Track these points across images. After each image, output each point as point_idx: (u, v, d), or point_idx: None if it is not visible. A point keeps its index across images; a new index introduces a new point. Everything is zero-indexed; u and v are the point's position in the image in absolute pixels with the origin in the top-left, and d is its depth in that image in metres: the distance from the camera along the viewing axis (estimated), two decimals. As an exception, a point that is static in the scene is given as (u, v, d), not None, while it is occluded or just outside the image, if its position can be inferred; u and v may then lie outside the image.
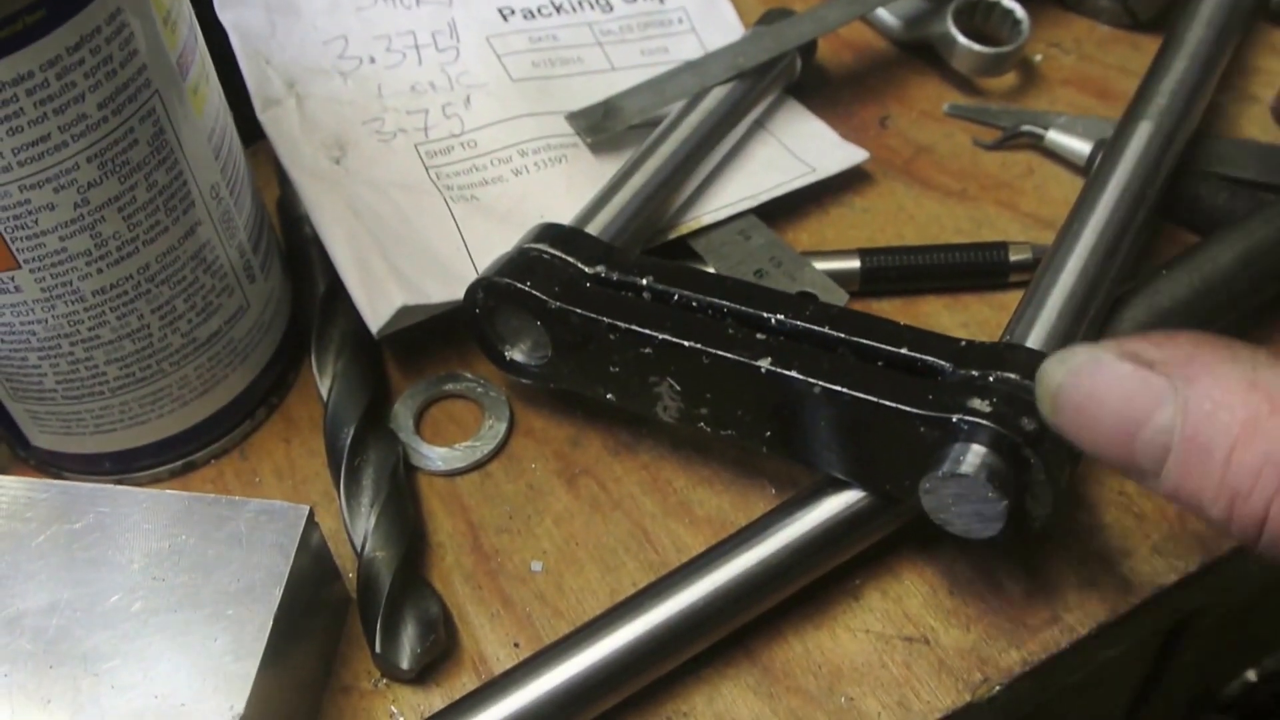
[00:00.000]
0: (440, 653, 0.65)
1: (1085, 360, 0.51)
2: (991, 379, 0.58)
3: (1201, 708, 1.22)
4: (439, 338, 0.77)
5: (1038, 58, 0.94)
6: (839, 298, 0.75)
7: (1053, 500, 0.57)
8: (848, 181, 0.85)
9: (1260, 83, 0.91)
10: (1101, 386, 0.50)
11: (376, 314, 0.72)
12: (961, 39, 0.89)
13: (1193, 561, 0.66)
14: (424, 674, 0.65)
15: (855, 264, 0.78)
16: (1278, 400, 0.45)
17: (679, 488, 0.71)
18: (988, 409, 0.56)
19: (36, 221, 0.58)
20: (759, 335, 0.63)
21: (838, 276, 0.77)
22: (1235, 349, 0.47)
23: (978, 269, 0.78)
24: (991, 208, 0.84)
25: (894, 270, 0.78)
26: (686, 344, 0.63)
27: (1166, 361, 0.48)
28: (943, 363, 0.60)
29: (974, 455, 0.56)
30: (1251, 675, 1.20)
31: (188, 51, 0.63)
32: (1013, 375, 0.58)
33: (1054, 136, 0.85)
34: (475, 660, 0.65)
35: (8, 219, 0.57)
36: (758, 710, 0.63)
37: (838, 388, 0.60)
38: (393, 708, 0.64)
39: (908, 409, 0.58)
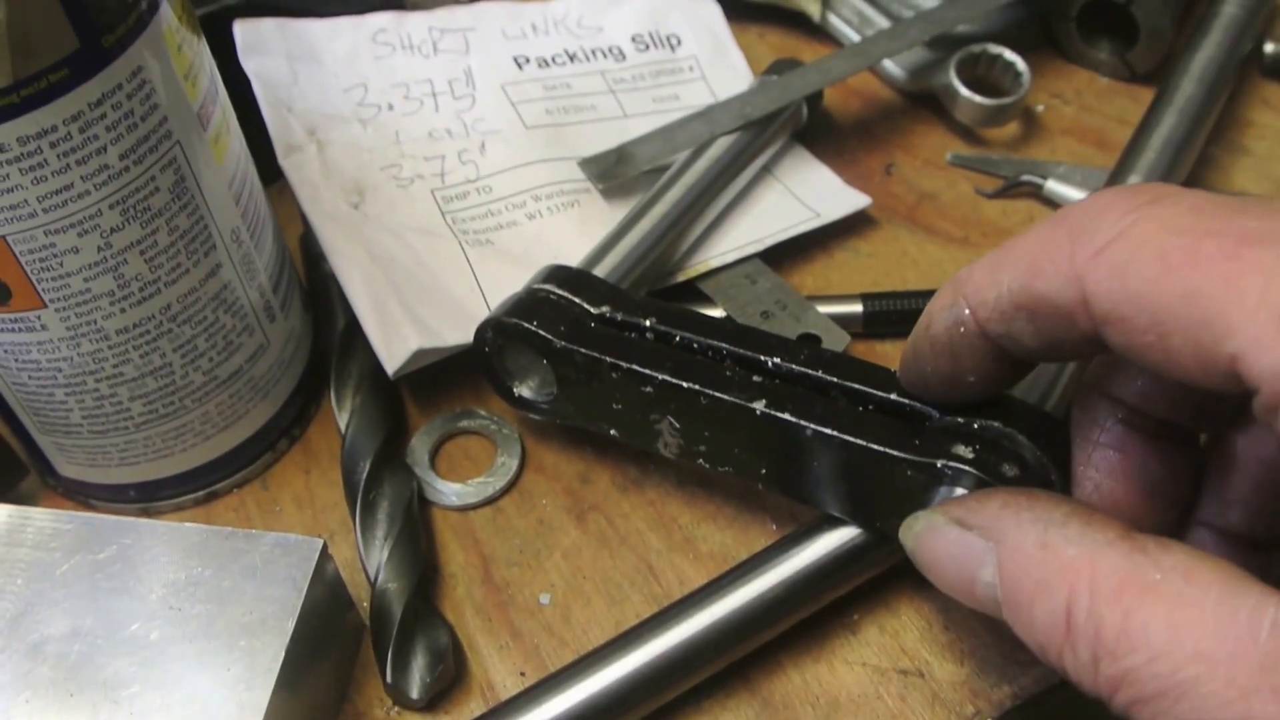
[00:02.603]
0: (449, 682, 0.66)
1: (924, 527, 0.55)
2: (976, 426, 0.59)
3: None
4: (455, 376, 0.79)
5: (1040, 108, 0.95)
6: (841, 340, 0.77)
7: None
8: (853, 227, 0.87)
9: (1252, 135, 0.92)
10: (938, 550, 0.54)
11: (392, 356, 0.73)
12: (964, 90, 0.90)
13: (1182, 600, 0.67)
14: (434, 702, 0.66)
15: (858, 308, 0.79)
16: (1064, 559, 0.47)
17: (684, 524, 0.72)
18: (970, 455, 0.58)
19: (61, 264, 0.59)
20: (755, 378, 0.64)
21: (841, 319, 0.79)
22: (1037, 506, 0.50)
23: (976, 314, 0.78)
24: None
25: (895, 314, 0.79)
26: (685, 385, 0.64)
27: (982, 525, 0.51)
28: (930, 409, 0.62)
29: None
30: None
31: (209, 103, 0.64)
32: (996, 423, 0.59)
33: (1053, 186, 0.86)
34: (484, 689, 0.66)
35: (34, 261, 0.59)
36: (756, 741, 0.64)
37: (828, 431, 0.61)
38: (403, 735, 0.65)
39: (894, 453, 0.59)
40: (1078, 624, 0.46)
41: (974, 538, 0.51)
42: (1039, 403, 0.63)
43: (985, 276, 0.52)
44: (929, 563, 0.54)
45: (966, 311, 0.53)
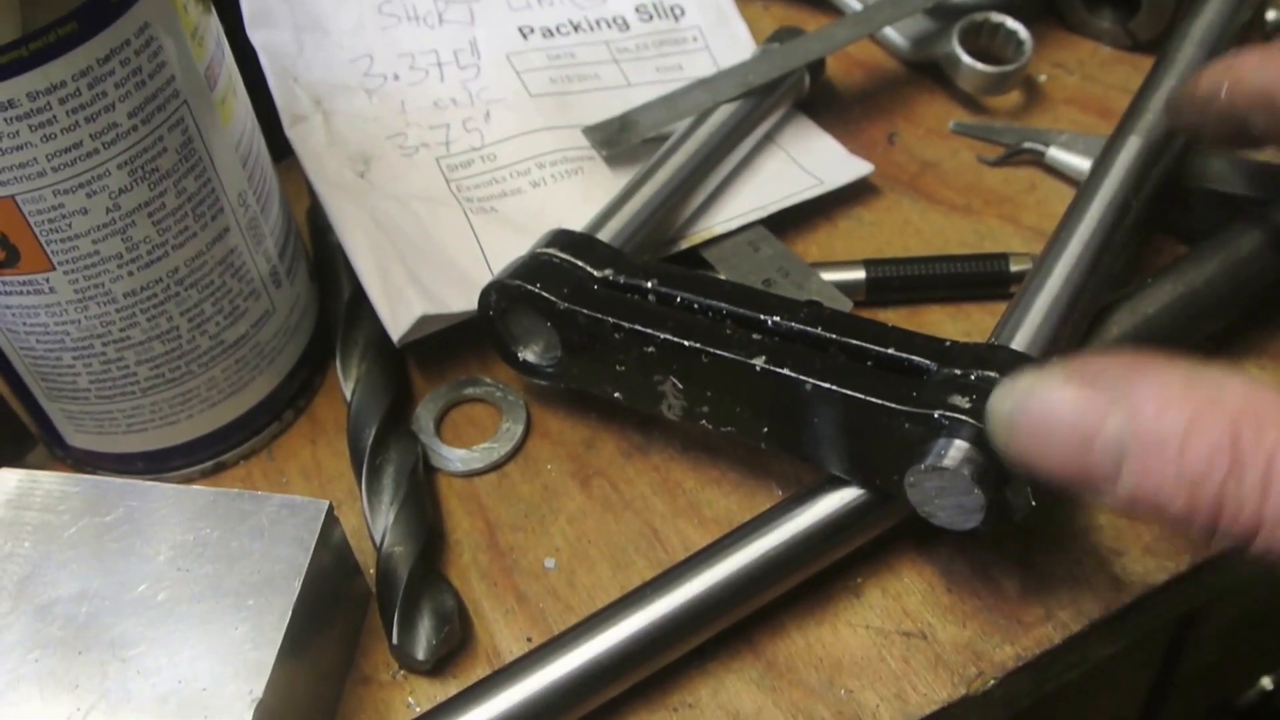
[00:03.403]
0: (455, 645, 0.66)
1: (1031, 385, 0.53)
2: (974, 377, 0.60)
3: (1218, 716, 1.22)
4: (460, 343, 0.79)
5: (1042, 77, 0.95)
6: (844, 306, 0.77)
7: (1030, 493, 0.59)
8: (856, 196, 0.87)
9: (1255, 101, 0.91)
10: (1051, 407, 0.52)
11: (398, 323, 0.73)
12: (966, 59, 0.90)
13: (1183, 562, 0.67)
14: (440, 666, 0.66)
15: (861, 275, 0.79)
16: (1215, 395, 0.47)
17: (688, 489, 0.72)
18: (968, 405, 0.58)
19: (70, 225, 0.60)
20: (755, 335, 0.65)
21: (844, 286, 0.79)
22: (1166, 359, 0.50)
23: (979, 279, 0.79)
24: (994, 221, 0.85)
25: (898, 280, 0.79)
26: (687, 343, 0.65)
27: (1108, 375, 0.50)
28: (928, 362, 0.62)
29: (955, 450, 0.57)
30: (1267, 683, 1.19)
31: (215, 64, 0.65)
32: (994, 374, 0.59)
33: (1055, 153, 0.86)
34: (489, 653, 0.67)
35: (43, 222, 0.59)
36: (760, 702, 0.64)
37: (827, 385, 0.61)
38: (410, 699, 0.65)
39: (892, 405, 0.60)
40: (1245, 449, 0.46)
41: (1099, 390, 0.50)
42: (1038, 355, 0.63)
43: (1256, 63, 0.66)
44: (1035, 424, 0.52)
45: (1225, 86, 0.67)
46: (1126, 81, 0.94)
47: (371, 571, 0.69)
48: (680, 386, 0.67)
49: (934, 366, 0.62)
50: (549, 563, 0.70)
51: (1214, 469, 0.47)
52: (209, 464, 0.76)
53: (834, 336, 0.65)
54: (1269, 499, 0.46)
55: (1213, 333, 0.72)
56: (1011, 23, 0.91)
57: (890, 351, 0.63)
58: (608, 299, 0.69)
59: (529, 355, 0.73)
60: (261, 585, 0.60)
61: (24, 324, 0.65)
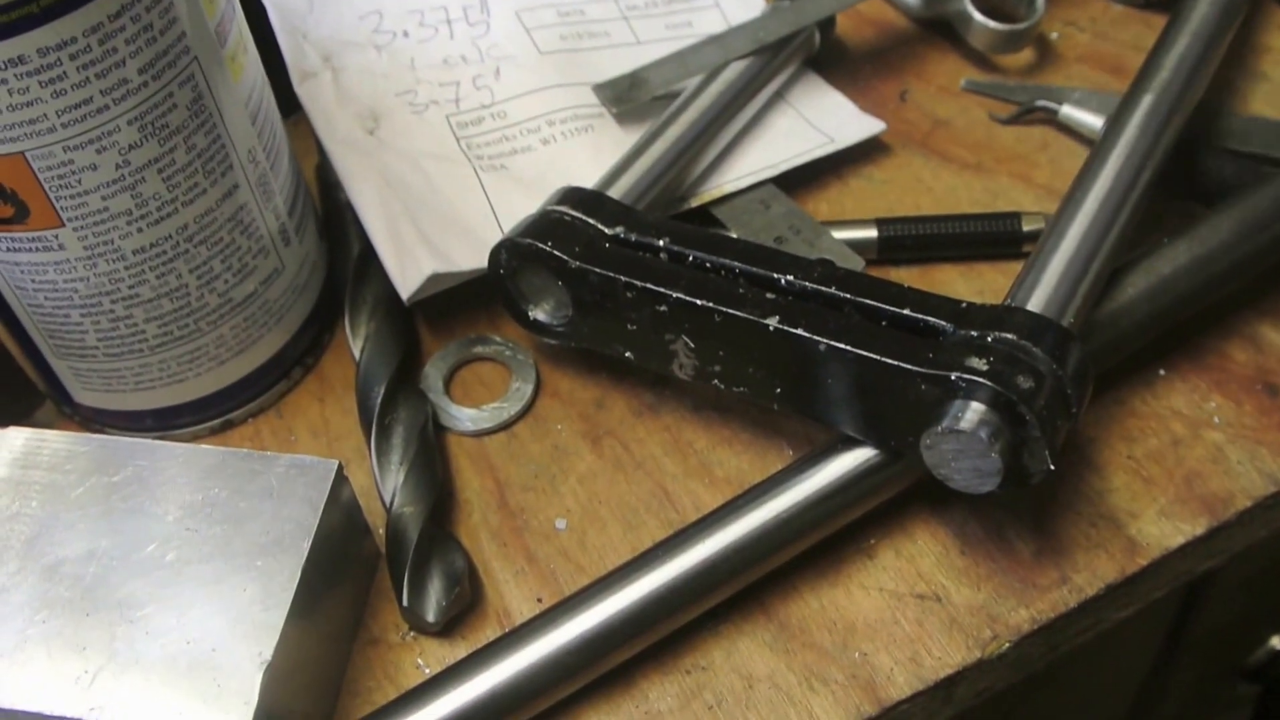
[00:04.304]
0: (465, 606, 0.66)
1: None
2: (990, 339, 0.59)
3: (1227, 675, 1.22)
4: (469, 302, 0.79)
5: (1054, 35, 0.95)
6: (856, 265, 0.76)
7: (1048, 456, 0.58)
8: (866, 154, 0.86)
9: (1269, 60, 0.91)
10: None
11: (407, 281, 0.73)
12: (978, 16, 0.90)
13: (1199, 525, 0.67)
14: (449, 627, 0.66)
15: (873, 233, 0.79)
16: None
17: (700, 449, 0.72)
18: (985, 367, 0.58)
19: (80, 181, 0.60)
20: (769, 295, 0.65)
21: (855, 245, 0.78)
22: None
23: (992, 238, 0.79)
24: (1006, 180, 0.84)
25: (910, 239, 0.79)
26: (699, 302, 0.64)
27: None
28: (944, 323, 0.62)
29: (972, 412, 0.57)
30: (1277, 643, 1.19)
31: (226, 20, 0.64)
32: (1011, 336, 0.59)
33: (1068, 111, 0.86)
34: (500, 614, 0.66)
35: (52, 178, 0.59)
36: (773, 665, 0.64)
37: (842, 346, 0.61)
38: (419, 660, 0.65)
39: (909, 367, 0.59)
40: None
41: None
42: (1055, 316, 0.63)
43: None
44: None
45: None
46: (1139, 39, 0.93)
47: (381, 532, 0.69)
48: (692, 346, 0.67)
49: (950, 328, 0.61)
50: (560, 523, 0.70)
51: None
52: (217, 421, 0.75)
53: (848, 296, 0.64)
54: None
55: (1228, 294, 0.72)
56: (1023, -21, 0.91)
57: (906, 312, 0.63)
58: (619, 257, 0.68)
59: (539, 314, 0.73)
60: (271, 546, 0.60)
61: (32, 281, 0.64)
